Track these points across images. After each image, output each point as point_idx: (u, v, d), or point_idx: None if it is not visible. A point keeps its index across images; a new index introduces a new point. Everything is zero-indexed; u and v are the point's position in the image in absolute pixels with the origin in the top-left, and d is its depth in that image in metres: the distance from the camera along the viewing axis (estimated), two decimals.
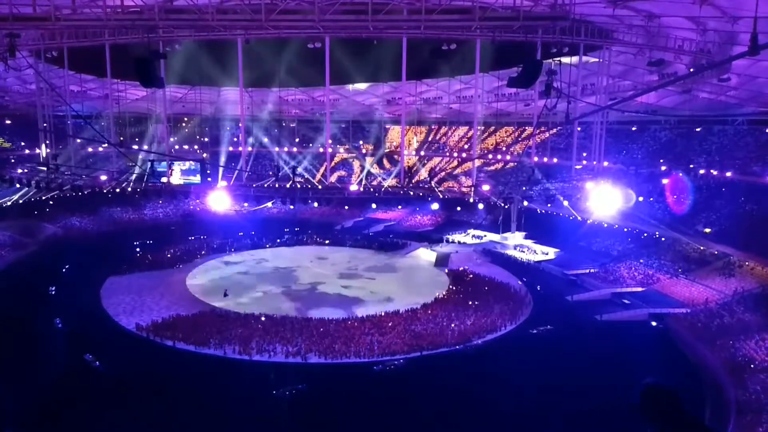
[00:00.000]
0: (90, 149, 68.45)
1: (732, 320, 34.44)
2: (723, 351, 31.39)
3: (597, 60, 47.03)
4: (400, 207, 67.72)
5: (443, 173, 73.47)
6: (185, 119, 75.99)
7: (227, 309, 37.53)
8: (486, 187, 57.01)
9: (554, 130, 63.84)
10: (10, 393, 24.08)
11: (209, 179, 64.00)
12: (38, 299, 37.35)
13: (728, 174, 46.53)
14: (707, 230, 43.89)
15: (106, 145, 57.45)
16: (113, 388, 25.78)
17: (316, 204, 65.98)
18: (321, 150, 73.10)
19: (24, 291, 38.16)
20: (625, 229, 49.47)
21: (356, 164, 74.91)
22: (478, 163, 65.44)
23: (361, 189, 60.20)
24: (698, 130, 54.57)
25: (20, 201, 57.68)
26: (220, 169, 63.82)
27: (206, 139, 72.94)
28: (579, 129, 55.38)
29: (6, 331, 30.68)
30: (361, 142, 77.85)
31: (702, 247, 43.70)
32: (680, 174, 48.18)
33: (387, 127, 77.25)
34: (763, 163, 45.44)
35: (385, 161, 78.36)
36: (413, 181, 66.73)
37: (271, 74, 58.10)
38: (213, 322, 34.84)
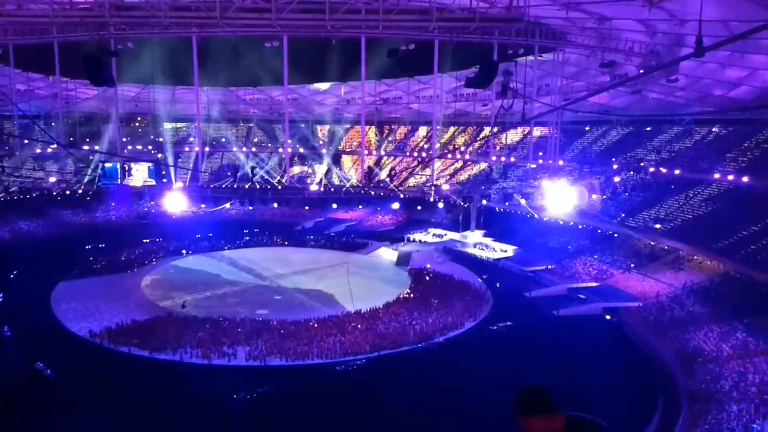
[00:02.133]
0: (38, 150, 66.03)
1: (682, 313, 35.76)
2: (674, 342, 32.57)
3: (551, 59, 48.03)
4: (360, 207, 67.71)
5: (405, 173, 73.87)
6: (138, 119, 74.14)
7: (184, 313, 36.77)
8: (446, 187, 57.65)
9: (516, 131, 64.95)
10: None
11: (164, 180, 62.74)
12: None
13: (677, 172, 48.24)
14: (657, 226, 45.43)
15: (55, 146, 55.52)
16: (66, 396, 24.93)
17: (275, 204, 65.45)
18: (280, 150, 72.48)
19: None
20: (580, 226, 50.74)
21: (317, 165, 74.53)
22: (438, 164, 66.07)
23: (322, 189, 60.00)
24: (648, 129, 56.42)
25: None
26: (172, 170, 62.55)
27: (161, 140, 71.28)
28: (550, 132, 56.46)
29: None
30: (320, 142, 77.49)
31: (653, 243, 45.21)
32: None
33: (347, 127, 77.13)
34: (710, 161, 47.30)
35: (345, 161, 78.33)
36: (374, 180, 66.89)
37: (227, 73, 57.14)
38: (170, 326, 34.05)
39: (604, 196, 50.70)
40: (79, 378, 26.67)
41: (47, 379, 27.17)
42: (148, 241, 54.78)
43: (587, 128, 61.85)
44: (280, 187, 61.26)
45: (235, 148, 75.33)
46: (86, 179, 54.03)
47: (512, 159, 63.17)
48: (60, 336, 33.21)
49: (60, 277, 42.79)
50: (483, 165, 64.28)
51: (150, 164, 61.60)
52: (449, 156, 70.34)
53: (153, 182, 63.57)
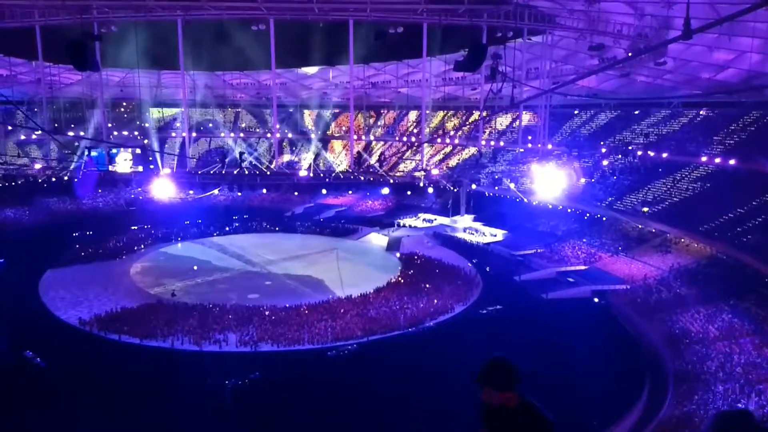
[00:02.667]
0: (23, 137, 65.06)
1: (669, 295, 36.16)
2: (661, 324, 32.98)
3: (540, 42, 47.85)
4: (350, 192, 67.57)
5: (394, 158, 73.69)
6: (124, 104, 73.18)
7: (174, 300, 36.64)
8: (435, 171, 57.58)
9: (506, 115, 64.82)
10: None
11: (151, 166, 62.07)
12: None
13: (664, 155, 48.48)
14: (645, 209, 45.74)
15: (39, 132, 54.74)
16: (57, 384, 24.84)
17: (264, 190, 65.14)
18: (269, 135, 71.92)
19: None
20: (569, 210, 50.99)
21: (305, 152, 74.13)
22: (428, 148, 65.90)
23: (311, 175, 59.69)
24: (636, 113, 56.56)
25: None
26: (157, 156, 61.84)
27: (147, 125, 70.45)
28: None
29: None
30: (309, 127, 76.99)
31: (640, 226, 45.55)
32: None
33: (335, 111, 76.64)
34: (697, 144, 47.56)
35: (334, 146, 77.98)
36: (363, 165, 66.69)
37: (213, 57, 56.44)
38: (160, 313, 33.96)
39: (593, 180, 50.91)
40: (69, 366, 26.56)
41: (37, 367, 27.03)
42: (136, 228, 54.43)
43: (576, 112, 61.91)
44: (269, 173, 60.87)
45: (223, 134, 74.68)
46: (72, 166, 53.30)
47: (501, 143, 63.15)
48: (49, 324, 33.03)
49: (48, 265, 42.42)
50: (472, 150, 64.25)
51: (137, 150, 60.89)
52: (438, 141, 70.19)
53: (140, 168, 62.96)
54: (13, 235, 50.67)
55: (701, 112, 51.23)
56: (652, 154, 49.34)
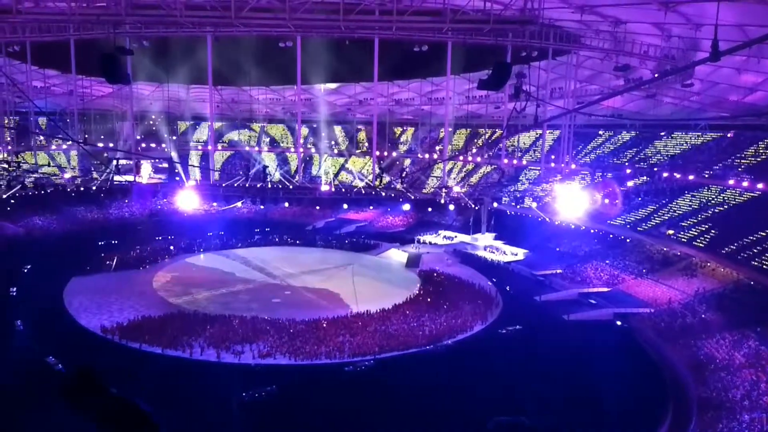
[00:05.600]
0: (54, 147, 66.74)
1: (694, 320, 35.39)
2: (685, 350, 32.24)
3: (565, 62, 47.80)
4: (371, 208, 67.72)
5: (416, 175, 73.76)
6: (153, 117, 74.80)
7: (195, 310, 36.98)
8: (457, 189, 57.52)
9: (528, 134, 64.64)
10: None
11: (177, 178, 63.17)
12: None
13: (690, 177, 47.78)
14: (670, 232, 45.01)
15: (70, 142, 56.12)
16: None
17: (286, 204, 65.64)
18: (292, 150, 72.71)
19: None
20: (592, 231, 50.41)
21: (329, 164, 74.68)
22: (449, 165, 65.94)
23: (333, 189, 60.10)
24: (662, 134, 55.94)
25: None
26: (179, 167, 62.96)
27: (174, 138, 71.79)
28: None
29: None
30: (332, 142, 77.64)
31: (665, 249, 44.79)
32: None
33: (358, 128, 77.21)
34: (724, 167, 46.79)
35: (356, 162, 78.40)
36: (385, 182, 66.83)
37: (241, 72, 57.49)
38: (180, 323, 34.26)
39: (617, 201, 50.33)
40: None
41: (59, 373, 27.41)
42: (160, 238, 55.19)
43: (600, 132, 61.44)
44: (291, 187, 61.47)
45: (247, 147, 75.70)
46: (103, 176, 54.52)
47: (524, 162, 62.92)
48: (72, 331, 33.50)
49: (73, 272, 43.17)
50: (494, 167, 64.10)
51: (164, 164, 62.07)
52: (461, 158, 70.18)
53: (162, 177, 64.08)
54: (41, 243, 51.76)
55: (728, 135, 50.44)
56: (678, 175, 48.64)
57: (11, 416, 22.98)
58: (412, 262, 50.99)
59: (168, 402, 24.55)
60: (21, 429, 22.77)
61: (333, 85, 69.32)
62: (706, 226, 43.52)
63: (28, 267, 43.12)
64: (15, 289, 38.42)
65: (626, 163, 53.93)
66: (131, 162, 58.71)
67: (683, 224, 45.47)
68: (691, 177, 47.84)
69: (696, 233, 43.60)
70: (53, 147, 66.28)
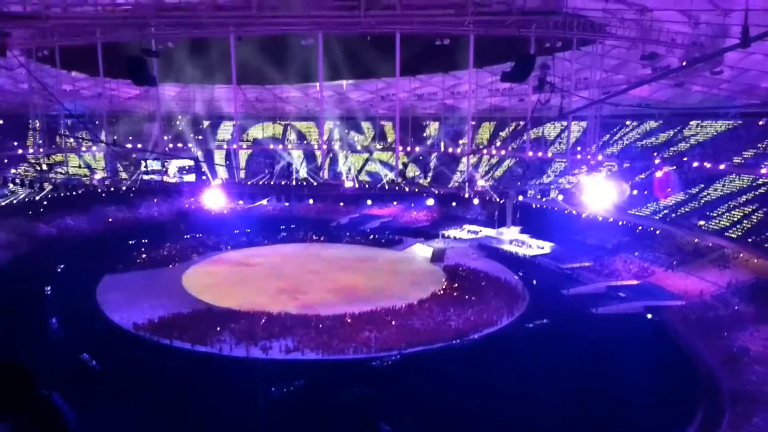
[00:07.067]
0: (84, 148, 68.17)
1: (727, 312, 34.67)
2: (718, 342, 31.62)
3: (590, 52, 47.05)
4: (395, 203, 67.75)
5: (440, 168, 73.49)
6: (179, 117, 75.90)
7: (224, 306, 37.50)
8: (481, 182, 57.16)
9: (553, 125, 63.89)
10: None
11: (204, 177, 64.06)
12: (33, 299, 37.17)
13: (721, 167, 46.70)
14: (701, 223, 44.10)
15: (100, 144, 57.25)
16: (110, 386, 25.73)
17: (311, 201, 66.11)
18: (316, 147, 73.03)
19: (19, 291, 37.95)
20: (620, 223, 49.64)
21: (352, 160, 74.86)
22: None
23: (356, 185, 60.27)
24: (691, 123, 54.76)
25: (14, 201, 57.44)
26: (218, 167, 63.80)
27: (200, 137, 72.75)
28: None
29: (1, 331, 30.56)
30: (355, 138, 77.79)
31: (696, 240, 43.90)
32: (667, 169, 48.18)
33: (381, 123, 77.19)
34: (756, 156, 45.62)
35: (379, 157, 78.43)
36: (409, 176, 66.80)
37: (263, 71, 57.94)
38: (210, 319, 34.79)
39: (645, 192, 49.45)
40: (122, 369, 27.48)
41: (92, 370, 28.09)
42: (188, 236, 56.07)
43: (627, 122, 60.40)
44: (315, 184, 61.82)
45: (272, 146, 76.31)
46: (133, 177, 55.60)
47: (549, 154, 62.20)
48: (105, 328, 34.28)
49: (105, 271, 44.14)
50: (519, 160, 63.51)
51: (190, 162, 62.98)
52: (485, 151, 69.68)
53: (192, 177, 64.97)
54: (73, 242, 53.04)
55: (760, 123, 49.13)
56: (708, 165, 47.60)
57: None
58: (437, 257, 50.89)
59: (201, 397, 25.06)
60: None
61: (355, 81, 69.39)
62: (739, 216, 42.53)
63: (62, 267, 44.24)
64: (49, 288, 39.47)
65: (655, 154, 52.88)
66: (161, 161, 59.65)
67: (713, 214, 44.51)
68: (721, 166, 46.78)
69: (728, 223, 42.64)
70: (83, 149, 67.70)
